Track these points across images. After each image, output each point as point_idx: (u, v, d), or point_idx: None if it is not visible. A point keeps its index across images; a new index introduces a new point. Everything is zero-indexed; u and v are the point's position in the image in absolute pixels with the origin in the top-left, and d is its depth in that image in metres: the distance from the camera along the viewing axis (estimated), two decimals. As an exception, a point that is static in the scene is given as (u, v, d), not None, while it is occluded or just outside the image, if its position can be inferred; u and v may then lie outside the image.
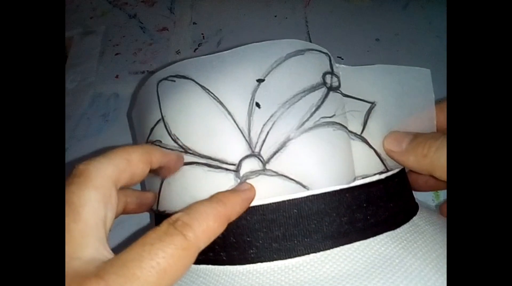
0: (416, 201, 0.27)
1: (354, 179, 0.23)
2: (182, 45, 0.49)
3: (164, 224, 0.18)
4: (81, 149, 0.41)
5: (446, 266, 0.20)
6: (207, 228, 0.18)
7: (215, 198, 0.20)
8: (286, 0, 0.52)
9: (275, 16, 0.51)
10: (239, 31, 0.49)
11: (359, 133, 0.23)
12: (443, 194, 0.36)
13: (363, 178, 0.23)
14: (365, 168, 0.23)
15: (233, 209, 0.20)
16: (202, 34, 0.50)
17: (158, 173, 0.24)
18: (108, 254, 0.17)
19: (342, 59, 0.45)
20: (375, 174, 0.23)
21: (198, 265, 0.23)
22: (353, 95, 0.23)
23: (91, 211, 0.17)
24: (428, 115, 0.25)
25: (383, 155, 0.24)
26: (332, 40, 0.47)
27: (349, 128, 0.23)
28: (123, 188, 0.20)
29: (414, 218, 0.24)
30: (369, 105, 0.24)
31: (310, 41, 0.47)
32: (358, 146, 0.23)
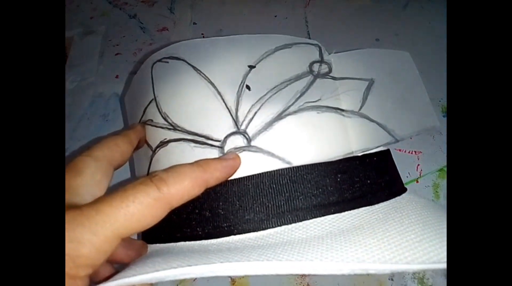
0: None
1: (348, 154, 0.23)
2: (182, 45, 0.49)
3: (143, 177, 0.19)
4: (81, 149, 0.41)
5: (402, 242, 0.19)
6: (181, 187, 0.19)
7: (196, 162, 0.21)
8: (286, 0, 0.52)
9: (275, 16, 0.51)
10: (239, 31, 0.49)
11: (356, 110, 0.24)
12: (442, 194, 0.36)
13: (363, 151, 0.24)
14: (366, 142, 0.24)
15: (211, 175, 0.21)
16: (202, 34, 0.50)
17: (138, 147, 0.27)
18: None
19: (342, 59, 0.45)
20: (378, 147, 0.24)
21: (176, 243, 0.23)
22: (349, 77, 0.25)
23: (89, 173, 0.21)
24: (419, 89, 0.27)
25: (390, 126, 0.25)
26: (332, 40, 0.47)
27: (344, 107, 0.24)
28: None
29: (397, 198, 0.24)
30: (367, 82, 0.25)
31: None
32: (356, 123, 0.24)
